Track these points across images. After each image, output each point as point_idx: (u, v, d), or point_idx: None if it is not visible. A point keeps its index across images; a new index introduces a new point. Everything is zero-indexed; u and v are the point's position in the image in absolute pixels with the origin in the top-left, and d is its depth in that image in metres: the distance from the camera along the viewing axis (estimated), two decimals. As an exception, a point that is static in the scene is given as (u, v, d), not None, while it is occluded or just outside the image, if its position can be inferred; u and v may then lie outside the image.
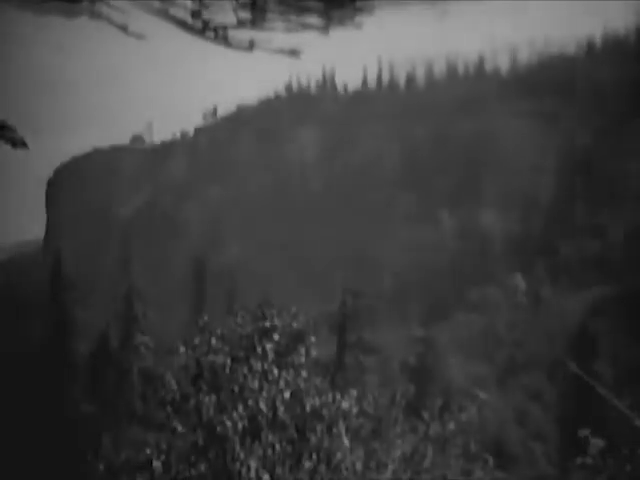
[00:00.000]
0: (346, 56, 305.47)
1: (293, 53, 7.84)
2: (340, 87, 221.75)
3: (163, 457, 12.80)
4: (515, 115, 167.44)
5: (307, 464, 12.43)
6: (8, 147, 8.62)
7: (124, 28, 7.77)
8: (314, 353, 13.83)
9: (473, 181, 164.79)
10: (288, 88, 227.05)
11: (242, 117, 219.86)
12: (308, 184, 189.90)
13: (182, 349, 13.36)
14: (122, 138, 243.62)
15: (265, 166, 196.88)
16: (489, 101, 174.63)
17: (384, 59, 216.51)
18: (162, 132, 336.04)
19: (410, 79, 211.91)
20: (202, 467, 12.46)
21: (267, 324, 13.58)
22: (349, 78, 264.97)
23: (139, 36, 7.86)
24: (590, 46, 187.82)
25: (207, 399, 12.75)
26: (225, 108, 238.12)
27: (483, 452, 14.97)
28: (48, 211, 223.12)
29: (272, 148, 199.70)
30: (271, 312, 13.76)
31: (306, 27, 7.67)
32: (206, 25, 7.91)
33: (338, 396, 13.08)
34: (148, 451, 12.91)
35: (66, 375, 64.38)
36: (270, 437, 12.38)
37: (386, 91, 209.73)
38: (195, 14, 7.86)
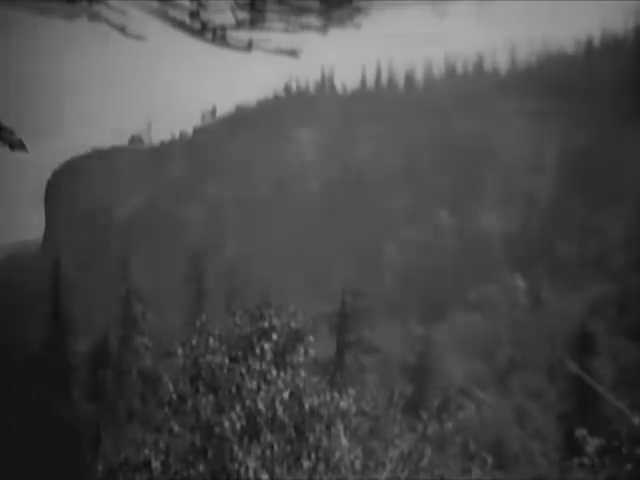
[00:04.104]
0: (345, 56, 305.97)
1: (292, 53, 7.86)
2: (339, 87, 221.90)
3: (162, 457, 12.82)
4: (515, 115, 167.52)
5: (306, 464, 12.45)
6: (7, 149, 8.63)
7: (122, 29, 7.79)
8: (313, 353, 13.84)
9: (473, 181, 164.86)
10: (287, 88, 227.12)
11: (241, 117, 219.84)
12: (307, 184, 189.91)
13: (180, 350, 13.38)
14: (121, 138, 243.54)
15: (264, 166, 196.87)
16: (488, 101, 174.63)
17: (383, 59, 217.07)
18: (161, 132, 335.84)
19: (409, 79, 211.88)
20: (201, 467, 12.48)
21: (265, 324, 13.59)
22: (348, 78, 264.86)
23: (138, 37, 7.87)
24: (589, 46, 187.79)
25: (205, 399, 12.77)
26: (224, 108, 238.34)
27: (482, 451, 15.00)
28: (47, 212, 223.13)
29: (271, 148, 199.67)
30: (269, 312, 13.77)
31: (305, 27, 7.68)
32: (204, 26, 7.93)
33: (336, 395, 13.10)
34: (147, 451, 12.93)
35: (65, 375, 64.40)
36: (269, 437, 12.40)
37: (385, 91, 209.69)
38: (193, 15, 7.88)
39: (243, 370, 12.92)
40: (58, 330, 68.03)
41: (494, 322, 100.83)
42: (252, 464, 12.11)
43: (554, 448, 48.78)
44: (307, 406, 12.79)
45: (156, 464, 12.74)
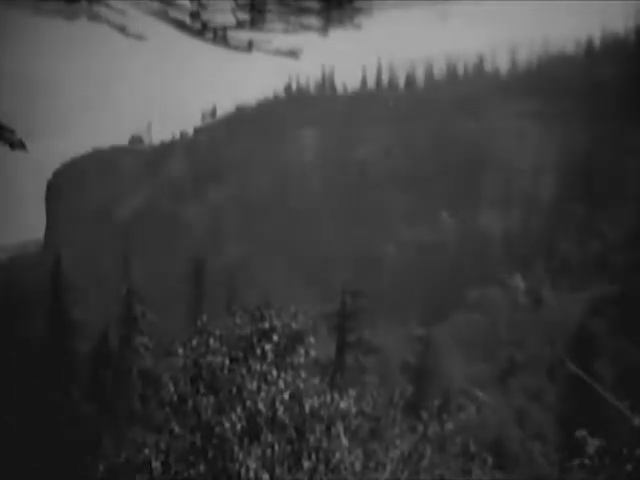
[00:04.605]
0: (345, 57, 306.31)
1: (292, 54, 7.84)
2: (339, 88, 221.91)
3: (162, 457, 12.81)
4: (515, 115, 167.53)
5: (306, 464, 12.44)
6: (7, 148, 8.63)
7: (123, 29, 7.78)
8: (313, 353, 13.81)
9: (473, 181, 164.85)
10: (287, 89, 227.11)
11: (241, 118, 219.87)
12: (308, 184, 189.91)
13: (180, 350, 13.37)
14: (122, 138, 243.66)
15: (264, 166, 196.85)
16: (489, 101, 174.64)
17: (384, 59, 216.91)
18: (161, 132, 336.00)
19: (410, 79, 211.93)
20: (201, 468, 12.47)
21: (266, 325, 13.56)
22: (348, 79, 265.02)
23: (138, 37, 7.86)
24: (589, 46, 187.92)
25: (205, 400, 12.76)
26: (224, 108, 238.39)
27: (482, 452, 15.01)
28: (48, 212, 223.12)
29: (271, 148, 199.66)
30: (270, 313, 13.74)
31: (305, 28, 7.67)
32: (205, 26, 7.92)
33: (337, 396, 13.08)
34: (147, 451, 12.92)
35: (66, 375, 64.37)
36: (269, 437, 12.39)
37: (386, 91, 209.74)
38: (194, 15, 7.87)
39: (244, 371, 12.91)
40: (58, 330, 67.97)
41: (494, 322, 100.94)
42: (252, 465, 12.10)
43: (554, 448, 48.77)
44: (307, 407, 12.78)
45: (156, 464, 12.73)
